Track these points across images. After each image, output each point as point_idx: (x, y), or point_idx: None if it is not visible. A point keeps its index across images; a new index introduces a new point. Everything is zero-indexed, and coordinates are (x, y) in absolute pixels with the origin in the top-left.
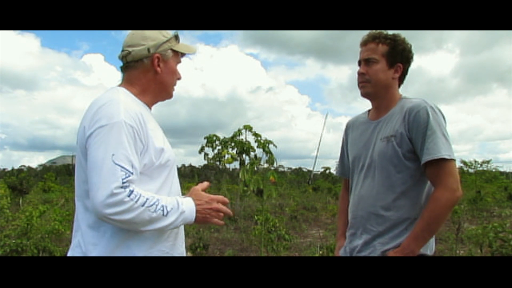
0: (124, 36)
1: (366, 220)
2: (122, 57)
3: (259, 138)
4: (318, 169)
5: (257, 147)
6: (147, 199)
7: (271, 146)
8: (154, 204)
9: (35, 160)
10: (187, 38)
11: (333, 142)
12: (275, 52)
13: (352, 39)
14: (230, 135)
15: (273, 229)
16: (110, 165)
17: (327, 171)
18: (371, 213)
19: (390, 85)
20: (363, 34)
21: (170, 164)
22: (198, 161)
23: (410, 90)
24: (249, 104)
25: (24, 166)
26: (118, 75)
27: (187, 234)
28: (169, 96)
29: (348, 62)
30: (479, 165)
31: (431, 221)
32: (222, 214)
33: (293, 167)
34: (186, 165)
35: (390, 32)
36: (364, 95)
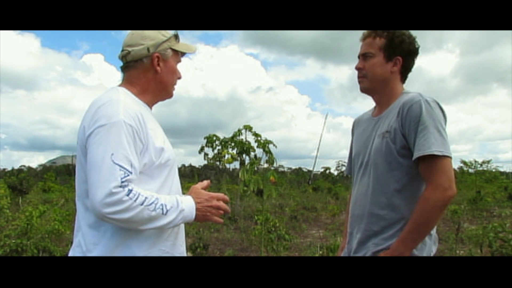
0: (124, 36)
1: (362, 219)
2: (122, 57)
3: (259, 138)
4: (318, 169)
5: (257, 147)
6: (146, 198)
7: (271, 146)
8: (153, 202)
9: (35, 160)
10: (187, 38)
11: (333, 142)
12: (275, 52)
13: (352, 39)
14: (230, 135)
15: (273, 229)
16: (109, 165)
17: (327, 171)
18: (366, 212)
19: (388, 79)
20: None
21: (170, 164)
22: (198, 161)
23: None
24: (249, 104)
25: (24, 166)
26: (118, 75)
27: (187, 234)
28: (170, 95)
29: (348, 62)
30: (479, 165)
31: (419, 222)
32: (222, 212)
33: (293, 167)
34: (186, 165)
35: None
36: (363, 90)
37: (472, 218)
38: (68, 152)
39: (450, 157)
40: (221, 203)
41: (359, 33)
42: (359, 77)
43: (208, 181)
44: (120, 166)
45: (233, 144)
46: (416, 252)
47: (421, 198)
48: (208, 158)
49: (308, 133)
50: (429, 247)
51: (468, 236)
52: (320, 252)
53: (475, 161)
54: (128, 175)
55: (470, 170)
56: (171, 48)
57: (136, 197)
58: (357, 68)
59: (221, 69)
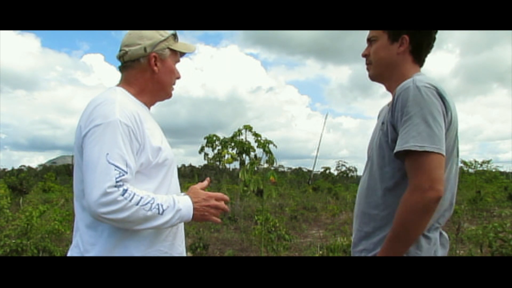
0: (123, 36)
1: (356, 219)
2: (120, 57)
3: (259, 138)
4: (318, 169)
5: (257, 147)
6: (141, 197)
7: (271, 146)
8: (148, 202)
9: (35, 160)
10: (187, 38)
11: (333, 142)
12: (275, 52)
13: (352, 39)
14: (230, 135)
15: (273, 229)
16: (104, 164)
17: (327, 171)
18: (360, 211)
19: (395, 63)
20: (363, 34)
21: (168, 163)
22: (198, 161)
23: None
24: (249, 104)
25: (24, 166)
26: (118, 75)
27: (187, 234)
28: (168, 95)
29: (348, 62)
30: (479, 165)
31: (398, 230)
32: (220, 211)
33: (293, 167)
34: (186, 165)
35: None
36: (370, 78)
37: (472, 218)
38: (68, 152)
39: (437, 153)
40: (219, 203)
41: (359, 33)
42: (366, 64)
43: (208, 179)
44: (115, 165)
45: (233, 144)
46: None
47: (400, 201)
48: (208, 158)
49: (308, 133)
50: (427, 252)
51: (468, 236)
52: (320, 252)
53: (475, 161)
54: (123, 175)
55: (470, 170)
56: (169, 48)
57: (131, 197)
58: (363, 56)
59: (221, 69)
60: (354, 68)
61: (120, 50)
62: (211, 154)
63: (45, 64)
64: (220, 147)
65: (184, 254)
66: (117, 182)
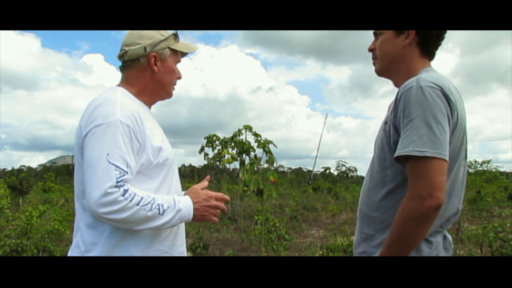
0: (124, 36)
1: (358, 220)
2: (120, 57)
3: (259, 138)
4: (318, 169)
5: (257, 147)
6: (142, 198)
7: (271, 146)
8: (149, 203)
9: (35, 160)
10: (187, 38)
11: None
12: (275, 52)
13: (352, 39)
14: (230, 135)
15: (273, 229)
16: (104, 165)
17: (327, 171)
18: (362, 212)
19: (401, 56)
20: (363, 34)
21: (169, 163)
22: (198, 161)
23: None
24: (249, 104)
25: (24, 166)
26: (118, 75)
27: (187, 234)
28: (168, 95)
29: (348, 62)
30: (479, 165)
31: (396, 238)
32: (220, 212)
33: (293, 167)
34: (186, 165)
35: None
36: (377, 73)
37: (472, 218)
38: (68, 152)
39: (438, 158)
40: (219, 203)
41: (359, 33)
42: (372, 59)
43: (208, 176)
44: (116, 166)
45: (233, 144)
46: None
47: (399, 208)
48: (208, 158)
49: (308, 133)
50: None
51: (468, 236)
52: (320, 252)
53: (475, 161)
54: (124, 175)
55: (470, 170)
56: (169, 48)
57: (131, 197)
58: (369, 50)
59: (221, 69)
60: (354, 68)
61: (121, 50)
62: (211, 154)
63: (45, 64)
64: (220, 147)
65: (185, 254)
66: (117, 182)
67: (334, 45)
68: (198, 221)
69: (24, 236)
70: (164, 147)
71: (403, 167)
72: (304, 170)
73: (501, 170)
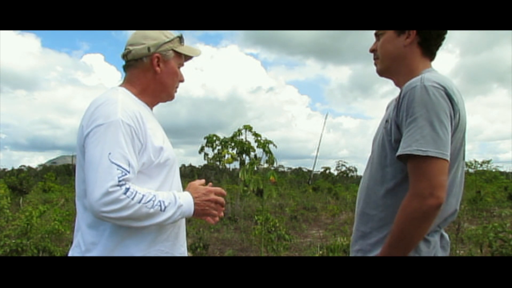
0: (124, 36)
1: (356, 218)
2: (123, 56)
3: (259, 138)
4: (318, 169)
5: (257, 147)
6: (143, 195)
7: (271, 146)
8: (151, 200)
9: (35, 160)
10: (187, 38)
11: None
12: (275, 52)
13: (352, 39)
14: (230, 135)
15: (273, 229)
16: (106, 164)
17: (327, 171)
18: (360, 210)
19: (402, 56)
20: (363, 34)
21: (170, 163)
22: (198, 161)
23: None
24: (249, 104)
25: (24, 166)
26: (118, 75)
27: (187, 234)
28: (170, 97)
29: (348, 62)
30: (479, 165)
31: (397, 236)
32: (220, 206)
33: (293, 167)
34: (186, 165)
35: None
36: (378, 73)
37: (472, 218)
38: (68, 152)
39: (440, 158)
40: (219, 197)
41: (359, 33)
42: (374, 60)
43: (203, 180)
44: (118, 165)
45: (233, 144)
46: None
47: (400, 207)
48: (208, 158)
49: (308, 133)
50: (427, 255)
51: (468, 236)
52: (320, 252)
53: (475, 161)
54: (126, 174)
55: (470, 170)
56: (173, 50)
57: (133, 195)
58: (370, 51)
59: (221, 69)
60: (354, 68)
61: (125, 49)
62: (211, 154)
63: (45, 64)
64: (220, 147)
65: (186, 255)
66: (119, 181)
67: (334, 45)
68: (199, 216)
69: (24, 236)
70: (165, 147)
71: (403, 165)
72: (304, 170)
73: (501, 170)
